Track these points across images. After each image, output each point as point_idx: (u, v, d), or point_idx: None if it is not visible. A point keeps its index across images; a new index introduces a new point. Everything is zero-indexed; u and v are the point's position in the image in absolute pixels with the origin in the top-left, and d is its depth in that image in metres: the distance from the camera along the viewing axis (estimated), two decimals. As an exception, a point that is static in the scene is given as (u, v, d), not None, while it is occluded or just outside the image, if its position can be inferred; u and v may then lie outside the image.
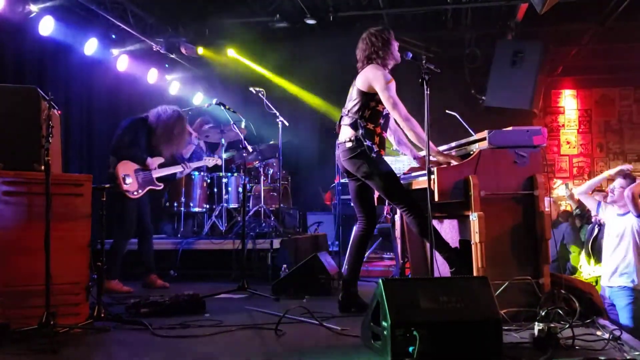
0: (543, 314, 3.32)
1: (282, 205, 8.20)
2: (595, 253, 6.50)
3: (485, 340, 3.07)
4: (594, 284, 6.31)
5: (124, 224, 6.18)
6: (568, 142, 13.02)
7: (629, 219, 5.50)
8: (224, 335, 3.86)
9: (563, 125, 13.07)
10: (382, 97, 4.44)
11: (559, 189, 11.95)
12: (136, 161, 6.24)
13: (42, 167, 3.82)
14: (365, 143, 4.47)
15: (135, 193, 6.18)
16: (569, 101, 13.08)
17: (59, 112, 4.56)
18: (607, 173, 5.83)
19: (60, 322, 3.79)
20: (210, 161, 7.52)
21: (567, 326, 3.40)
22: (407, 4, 8.96)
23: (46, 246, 3.70)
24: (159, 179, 6.46)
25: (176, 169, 6.84)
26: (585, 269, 6.51)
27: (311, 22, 8.95)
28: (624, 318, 5.37)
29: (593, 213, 6.23)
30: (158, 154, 6.44)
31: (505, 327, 3.57)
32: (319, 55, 9.58)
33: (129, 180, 6.12)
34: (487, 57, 9.84)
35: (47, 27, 6.90)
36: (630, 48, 10.94)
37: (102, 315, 4.19)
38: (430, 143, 4.21)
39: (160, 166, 6.51)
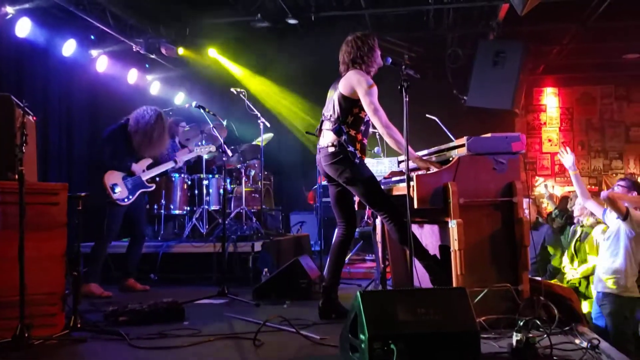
0: (521, 323, 3.31)
1: (264, 206, 8.16)
2: (579, 253, 6.51)
3: (463, 352, 3.06)
4: (577, 285, 6.33)
5: (107, 229, 6.15)
6: (550, 140, 13.10)
7: (620, 221, 5.46)
8: (201, 346, 3.83)
9: (545, 123, 13.16)
10: (364, 102, 4.42)
11: (540, 187, 12.03)
12: (121, 170, 6.23)
13: (16, 177, 3.77)
14: (348, 149, 4.45)
15: (126, 200, 6.20)
16: (550, 99, 13.16)
17: (34, 118, 4.50)
18: (572, 174, 5.63)
19: (36, 334, 3.76)
20: (204, 149, 7.42)
21: (545, 335, 3.40)
22: (389, 4, 8.92)
23: (20, 256, 3.66)
24: (151, 180, 6.47)
25: (167, 166, 6.80)
26: (569, 270, 6.52)
27: (293, 22, 8.90)
28: (609, 325, 5.36)
29: (601, 217, 6.11)
30: (142, 157, 6.41)
31: (484, 336, 3.58)
32: (300, 55, 9.55)
33: (118, 189, 6.12)
34: (468, 57, 9.85)
35: (23, 28, 6.79)
36: (611, 47, 11.02)
37: (79, 325, 4.16)
38: (410, 149, 4.21)
39: (150, 166, 6.48)
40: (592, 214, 6.13)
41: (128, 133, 6.29)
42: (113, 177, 6.15)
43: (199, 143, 7.67)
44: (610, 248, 5.45)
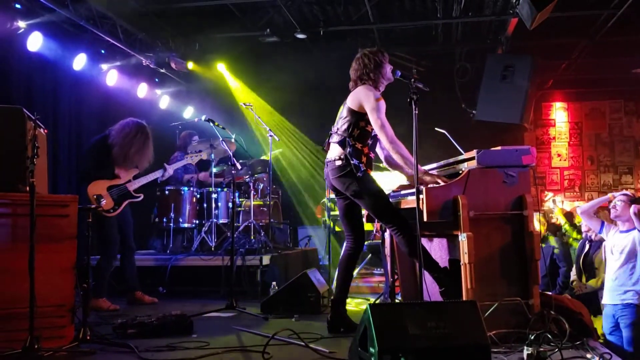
0: (532, 337, 3.29)
1: (272, 220, 8.16)
2: (587, 269, 6.47)
3: (473, 365, 3.03)
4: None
5: (108, 242, 6.13)
6: (559, 155, 13.05)
7: (634, 234, 5.45)
8: (210, 359, 3.81)
9: (554, 138, 13.11)
10: (371, 117, 4.43)
11: (549, 202, 11.96)
12: (106, 177, 6.13)
13: (27, 188, 3.79)
14: (352, 162, 4.45)
15: (112, 211, 6.11)
16: (559, 114, 13.12)
17: (45, 131, 4.53)
18: (611, 195, 5.81)
19: (45, 346, 3.75)
20: (194, 157, 7.28)
21: (556, 350, 3.37)
22: (397, 19, 8.96)
23: (30, 268, 3.66)
24: (138, 190, 6.37)
25: (155, 175, 6.62)
26: (577, 285, 6.48)
27: (301, 36, 8.95)
28: (629, 336, 5.32)
29: (595, 233, 6.18)
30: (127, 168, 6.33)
31: (495, 350, 3.55)
32: (309, 69, 9.58)
33: (102, 200, 6.05)
34: (477, 71, 9.86)
35: (35, 42, 6.88)
36: (620, 62, 10.99)
37: (88, 337, 4.14)
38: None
39: (136, 177, 6.40)
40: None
41: (111, 147, 6.16)
42: (97, 188, 6.06)
43: (193, 151, 7.57)
44: (626, 261, 5.42)
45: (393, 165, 4.82)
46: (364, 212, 4.99)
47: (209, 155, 7.79)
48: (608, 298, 5.61)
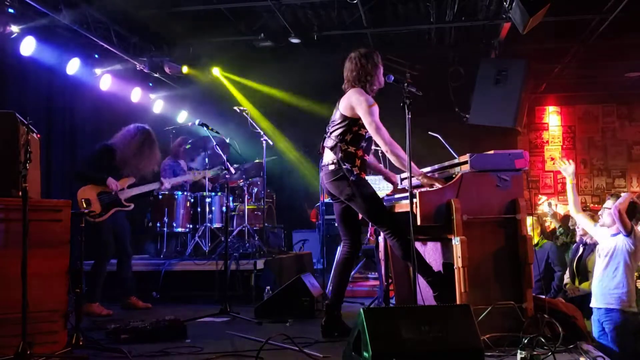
0: (526, 341, 3.29)
1: (266, 224, 8.15)
2: (580, 273, 6.48)
3: (467, 369, 3.04)
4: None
5: (101, 246, 6.11)
6: (552, 158, 13.09)
7: (619, 238, 5.46)
8: (204, 364, 3.81)
9: (547, 142, 13.17)
10: (365, 121, 4.43)
11: (544, 206, 12.00)
12: (97, 183, 6.12)
13: (20, 193, 3.78)
14: (343, 166, 4.44)
15: (98, 216, 6.08)
16: (552, 118, 13.19)
17: (39, 135, 4.51)
18: (571, 183, 5.69)
19: (38, 351, 3.74)
20: (197, 174, 7.35)
21: (549, 353, 3.37)
22: (391, 23, 8.99)
23: (23, 273, 3.64)
24: (129, 199, 6.34)
25: (152, 187, 6.63)
26: (570, 288, 6.49)
27: (295, 41, 8.95)
28: (612, 341, 5.33)
29: (590, 237, 6.18)
30: (126, 175, 6.34)
31: (488, 354, 3.55)
32: (302, 73, 9.59)
33: (89, 204, 6.00)
34: (470, 75, 9.86)
35: (28, 47, 6.85)
36: (612, 66, 11.05)
37: (81, 342, 4.14)
38: (414, 165, 4.21)
39: (132, 186, 6.39)
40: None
41: (113, 151, 6.19)
42: (87, 193, 6.05)
43: (194, 167, 7.56)
44: (610, 264, 5.43)
45: (374, 169, 4.91)
46: (360, 215, 4.99)
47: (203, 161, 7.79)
48: (594, 301, 5.62)
